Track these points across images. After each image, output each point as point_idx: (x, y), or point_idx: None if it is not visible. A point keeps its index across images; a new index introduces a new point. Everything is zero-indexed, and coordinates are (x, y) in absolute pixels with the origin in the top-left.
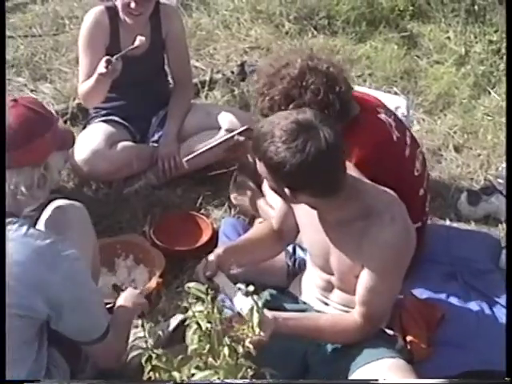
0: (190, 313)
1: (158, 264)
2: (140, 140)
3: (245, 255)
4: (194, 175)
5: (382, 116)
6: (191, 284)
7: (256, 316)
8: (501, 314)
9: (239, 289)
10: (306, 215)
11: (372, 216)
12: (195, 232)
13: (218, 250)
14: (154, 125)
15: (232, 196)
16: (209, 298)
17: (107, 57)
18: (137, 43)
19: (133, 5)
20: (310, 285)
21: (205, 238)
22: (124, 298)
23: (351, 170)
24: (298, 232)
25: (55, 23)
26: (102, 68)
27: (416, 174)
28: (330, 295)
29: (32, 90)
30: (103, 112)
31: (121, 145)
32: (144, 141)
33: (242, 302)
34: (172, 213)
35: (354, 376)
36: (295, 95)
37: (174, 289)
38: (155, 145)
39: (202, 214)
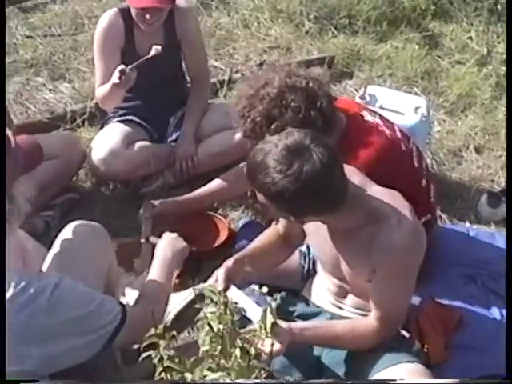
0: (202, 314)
1: None
2: (158, 140)
3: (255, 264)
4: (211, 175)
5: (369, 118)
6: (204, 285)
7: (269, 318)
8: None
9: (253, 290)
10: (313, 225)
11: (379, 220)
12: (212, 232)
13: (228, 263)
14: (172, 125)
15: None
16: (221, 299)
17: (121, 66)
18: (152, 52)
19: (148, 16)
20: (323, 290)
21: (222, 238)
22: (163, 247)
23: (354, 174)
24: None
25: (74, 23)
26: (115, 78)
27: (416, 165)
28: (344, 300)
29: (50, 90)
30: (121, 112)
31: (138, 144)
32: (162, 141)
33: (257, 313)
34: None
35: None
36: (276, 115)
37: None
38: (173, 144)
39: (220, 214)
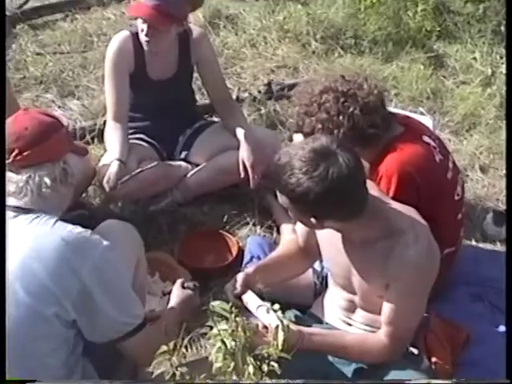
0: (214, 331)
1: None
2: (167, 158)
3: (274, 273)
4: (220, 193)
5: (426, 138)
6: (215, 302)
7: (281, 334)
8: None
9: (263, 307)
10: (327, 235)
11: (396, 235)
12: (222, 250)
13: (248, 269)
14: (181, 143)
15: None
16: (233, 316)
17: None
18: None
19: (143, 32)
20: (332, 305)
21: (231, 256)
22: (177, 297)
23: (372, 188)
24: None
25: (84, 40)
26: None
27: (456, 198)
28: (353, 315)
29: (60, 107)
30: (130, 131)
31: (148, 163)
32: (171, 159)
33: (269, 319)
34: (199, 230)
35: None
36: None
37: (200, 307)
38: (182, 163)
39: (228, 232)
